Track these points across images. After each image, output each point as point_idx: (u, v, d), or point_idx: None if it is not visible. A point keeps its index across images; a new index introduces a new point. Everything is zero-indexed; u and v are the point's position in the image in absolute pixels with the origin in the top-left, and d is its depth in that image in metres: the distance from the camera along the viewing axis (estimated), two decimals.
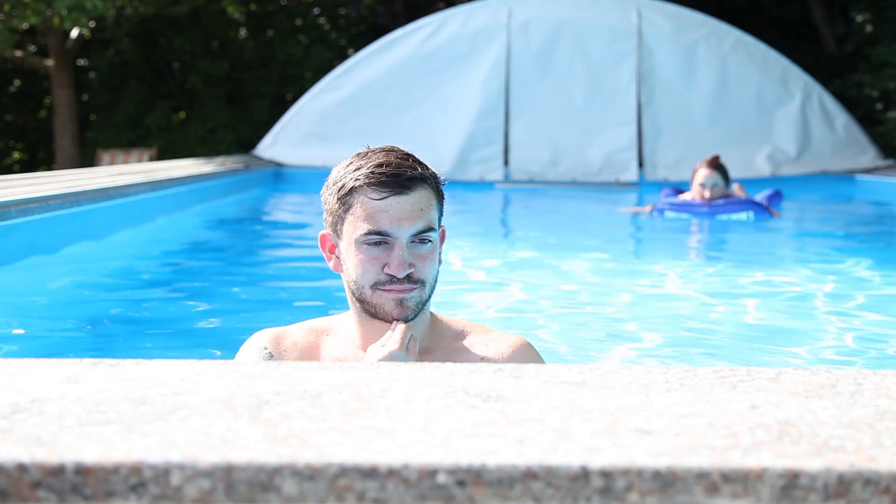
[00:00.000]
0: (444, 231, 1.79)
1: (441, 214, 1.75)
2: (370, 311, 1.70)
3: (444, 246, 1.78)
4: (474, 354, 1.73)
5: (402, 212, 1.65)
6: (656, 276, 4.56)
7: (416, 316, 1.69)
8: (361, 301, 1.70)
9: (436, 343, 1.76)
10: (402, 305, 1.67)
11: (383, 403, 0.98)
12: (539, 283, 4.31)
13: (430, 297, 1.72)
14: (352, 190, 1.68)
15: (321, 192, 1.78)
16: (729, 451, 0.85)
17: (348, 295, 1.74)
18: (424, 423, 0.92)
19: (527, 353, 1.74)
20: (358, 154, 1.74)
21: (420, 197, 1.67)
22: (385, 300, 1.68)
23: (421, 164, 1.72)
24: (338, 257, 1.75)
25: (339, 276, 1.76)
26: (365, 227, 1.66)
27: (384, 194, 1.65)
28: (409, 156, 1.72)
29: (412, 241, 1.67)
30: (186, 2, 13.89)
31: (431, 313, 1.78)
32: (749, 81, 10.40)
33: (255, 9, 15.88)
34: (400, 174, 1.66)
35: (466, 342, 1.76)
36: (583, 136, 10.19)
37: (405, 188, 1.65)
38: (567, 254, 5.23)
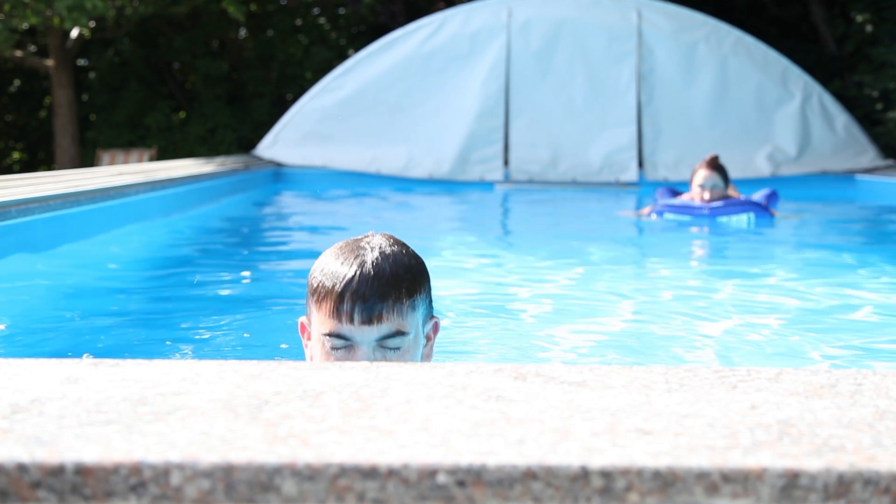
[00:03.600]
0: (436, 324, 1.72)
1: (428, 309, 1.68)
2: None
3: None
4: None
5: (364, 316, 1.58)
6: (656, 276, 4.56)
7: None
8: None
9: None
10: None
11: (383, 403, 0.98)
12: (539, 283, 4.31)
13: None
14: (321, 292, 1.61)
15: None
16: (729, 451, 0.85)
17: None
18: (424, 423, 0.92)
19: None
20: (346, 248, 1.65)
21: (390, 306, 1.58)
22: None
23: (401, 268, 1.62)
24: (311, 348, 1.69)
25: None
26: (325, 327, 1.60)
27: (348, 305, 1.58)
28: (388, 265, 1.61)
29: (379, 346, 1.60)
30: (186, 2, 13.90)
31: None
32: (749, 81, 10.39)
33: (255, 9, 15.88)
34: (364, 300, 1.57)
35: None
36: (583, 136, 10.19)
37: (373, 305, 1.58)
38: (567, 255, 5.23)
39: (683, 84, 10.35)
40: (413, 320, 1.62)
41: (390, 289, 1.59)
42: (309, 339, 1.70)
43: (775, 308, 3.68)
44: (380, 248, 1.64)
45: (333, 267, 1.62)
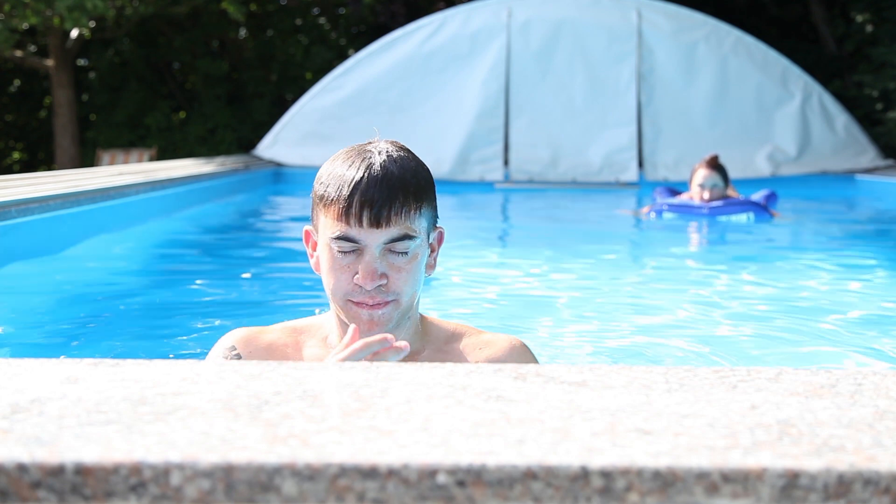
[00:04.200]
0: (441, 234, 1.72)
1: (433, 218, 1.67)
2: (345, 321, 1.65)
3: (441, 248, 1.73)
4: (467, 358, 1.69)
5: (372, 219, 1.57)
6: (655, 276, 4.56)
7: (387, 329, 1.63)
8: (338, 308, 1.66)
9: (426, 346, 1.71)
10: (372, 322, 1.60)
11: (383, 403, 0.98)
12: (538, 283, 4.32)
13: (409, 309, 1.65)
14: (329, 195, 1.61)
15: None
16: (729, 451, 0.85)
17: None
18: (424, 423, 0.92)
19: (522, 355, 1.70)
20: (352, 152, 1.64)
21: (398, 209, 1.58)
22: (356, 314, 1.61)
23: (408, 172, 1.62)
24: (317, 260, 1.68)
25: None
26: (333, 231, 1.59)
27: (357, 206, 1.58)
28: (395, 168, 1.60)
29: (387, 250, 1.59)
30: (186, 2, 13.89)
31: (421, 315, 1.74)
32: (749, 81, 10.39)
33: (255, 9, 15.87)
34: (373, 202, 1.57)
35: (459, 345, 1.71)
36: (583, 136, 10.19)
37: (382, 206, 1.57)
38: (566, 255, 5.23)
39: (683, 84, 10.35)
40: (420, 225, 1.62)
41: (398, 192, 1.58)
42: (314, 248, 1.69)
43: (775, 308, 3.68)
44: (387, 151, 1.63)
45: (341, 170, 1.61)
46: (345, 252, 1.60)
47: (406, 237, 1.59)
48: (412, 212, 1.60)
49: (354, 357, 1.47)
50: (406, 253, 1.60)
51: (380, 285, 1.59)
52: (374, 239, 1.58)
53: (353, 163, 1.61)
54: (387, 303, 1.61)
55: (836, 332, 3.21)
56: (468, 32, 10.36)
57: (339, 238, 1.59)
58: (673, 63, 10.34)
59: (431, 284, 4.12)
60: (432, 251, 1.71)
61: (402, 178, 1.60)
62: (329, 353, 1.68)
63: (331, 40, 16.20)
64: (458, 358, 1.69)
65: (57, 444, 0.85)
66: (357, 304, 1.61)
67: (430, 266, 1.71)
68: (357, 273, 1.59)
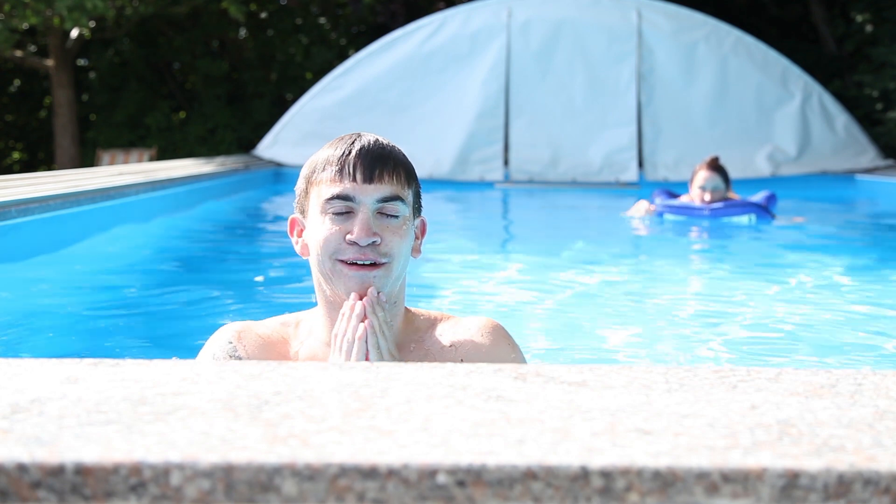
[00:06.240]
0: (424, 223, 1.76)
1: (417, 203, 1.72)
2: (333, 298, 1.66)
3: (425, 239, 1.76)
4: (443, 343, 1.70)
5: (366, 174, 1.62)
6: (656, 277, 4.56)
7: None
8: (326, 280, 1.66)
9: (409, 337, 1.73)
10: (363, 285, 1.62)
11: (383, 403, 0.98)
12: (538, 283, 4.31)
13: (398, 284, 1.67)
14: (320, 166, 1.67)
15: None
16: (729, 451, 0.85)
17: (315, 284, 1.70)
18: (424, 423, 0.92)
19: (493, 333, 1.72)
20: (337, 139, 1.71)
21: (391, 170, 1.64)
22: (346, 279, 1.62)
23: (396, 149, 1.70)
24: (305, 241, 1.72)
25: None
26: (327, 193, 1.63)
27: (351, 164, 1.64)
28: (385, 143, 1.69)
29: (379, 213, 1.63)
30: (186, 2, 13.89)
31: (406, 308, 1.76)
32: (749, 81, 10.39)
33: (255, 9, 15.87)
34: (366, 159, 1.64)
35: (436, 332, 1.73)
36: (583, 136, 10.19)
37: (375, 163, 1.64)
38: (567, 255, 5.23)
39: (683, 84, 10.34)
40: (408, 197, 1.68)
41: (389, 157, 1.66)
42: (300, 235, 1.74)
43: (775, 308, 3.68)
44: (372, 136, 1.71)
45: (331, 148, 1.68)
46: (338, 214, 1.63)
47: (397, 198, 1.64)
48: (402, 178, 1.66)
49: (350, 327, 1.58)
50: (397, 216, 1.64)
51: (373, 242, 1.61)
52: (367, 195, 1.62)
53: (340, 141, 1.69)
54: (379, 265, 1.62)
55: (836, 332, 3.21)
56: (468, 32, 10.35)
57: (333, 198, 1.63)
58: (673, 63, 10.34)
59: (429, 283, 4.12)
60: (416, 238, 1.74)
61: (392, 150, 1.68)
62: (318, 345, 1.71)
63: (331, 40, 16.20)
64: (436, 343, 1.71)
65: (57, 444, 0.85)
66: (348, 264, 1.62)
67: (416, 250, 1.74)
68: (349, 233, 1.61)
